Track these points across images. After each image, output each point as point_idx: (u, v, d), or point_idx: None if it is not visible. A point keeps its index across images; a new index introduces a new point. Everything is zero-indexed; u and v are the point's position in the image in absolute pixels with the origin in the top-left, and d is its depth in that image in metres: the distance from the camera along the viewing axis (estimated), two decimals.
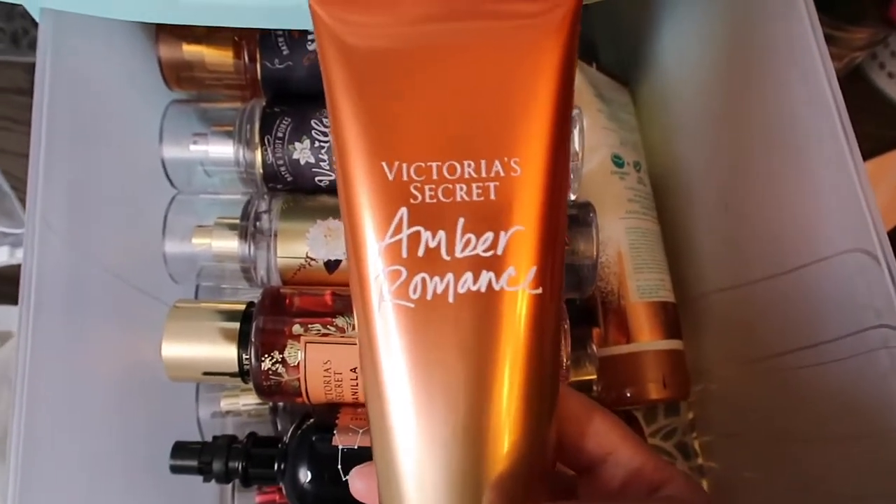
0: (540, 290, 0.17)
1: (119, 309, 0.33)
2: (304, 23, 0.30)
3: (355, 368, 0.30)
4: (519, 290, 0.17)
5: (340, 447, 0.30)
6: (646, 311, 0.37)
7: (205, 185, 0.36)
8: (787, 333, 0.29)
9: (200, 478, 0.32)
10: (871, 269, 0.23)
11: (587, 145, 0.39)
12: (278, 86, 0.35)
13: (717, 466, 0.39)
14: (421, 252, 0.17)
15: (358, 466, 0.20)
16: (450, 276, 0.17)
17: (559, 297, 0.18)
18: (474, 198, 0.17)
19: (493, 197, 0.17)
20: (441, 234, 0.17)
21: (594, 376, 0.34)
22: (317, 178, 0.34)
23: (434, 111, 0.18)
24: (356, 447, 0.29)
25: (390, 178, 0.17)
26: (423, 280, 0.17)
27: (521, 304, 0.17)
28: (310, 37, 0.34)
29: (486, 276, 0.17)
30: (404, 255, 0.17)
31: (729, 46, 0.34)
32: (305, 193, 0.35)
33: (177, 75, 0.35)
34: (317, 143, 0.34)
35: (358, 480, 0.20)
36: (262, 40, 0.34)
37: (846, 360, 0.25)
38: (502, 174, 0.17)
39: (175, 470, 0.31)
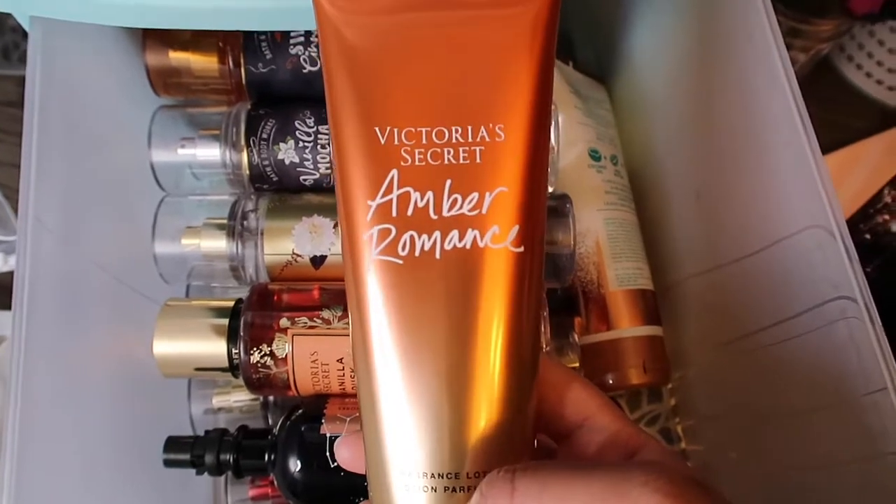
0: (522, 249, 0.18)
1: (111, 308, 0.34)
2: (285, 24, 0.31)
3: (341, 359, 0.31)
4: (502, 247, 0.18)
5: (329, 435, 0.30)
6: (625, 299, 0.38)
7: (193, 187, 0.37)
8: (755, 313, 0.30)
9: (193, 471, 0.32)
10: (827, 243, 0.25)
11: (565, 140, 0.40)
12: (262, 89, 0.36)
13: (701, 449, 0.40)
14: (410, 211, 0.18)
15: (343, 435, 0.21)
16: (437, 234, 0.18)
17: (540, 256, 0.19)
18: (461, 161, 0.18)
19: (478, 160, 0.18)
20: (429, 194, 0.18)
21: (577, 364, 0.35)
22: (301, 178, 0.35)
23: (424, 82, 0.19)
24: (344, 435, 0.30)
25: (382, 141, 0.18)
26: (412, 237, 0.18)
27: (504, 261, 0.18)
28: (291, 41, 0.35)
29: (471, 233, 0.18)
30: (394, 213, 0.18)
31: (696, 41, 0.35)
32: (291, 192, 0.36)
33: (164, 81, 0.36)
34: (301, 144, 0.35)
35: (344, 449, 0.21)
36: (245, 45, 0.35)
37: (809, 333, 0.26)
38: (487, 139, 0.18)
39: (168, 464, 0.32)
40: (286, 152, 0.35)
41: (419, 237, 0.18)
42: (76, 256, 0.31)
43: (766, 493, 0.32)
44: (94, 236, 0.33)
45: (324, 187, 0.36)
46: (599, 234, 0.39)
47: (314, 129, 0.35)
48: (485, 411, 0.18)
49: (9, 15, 0.28)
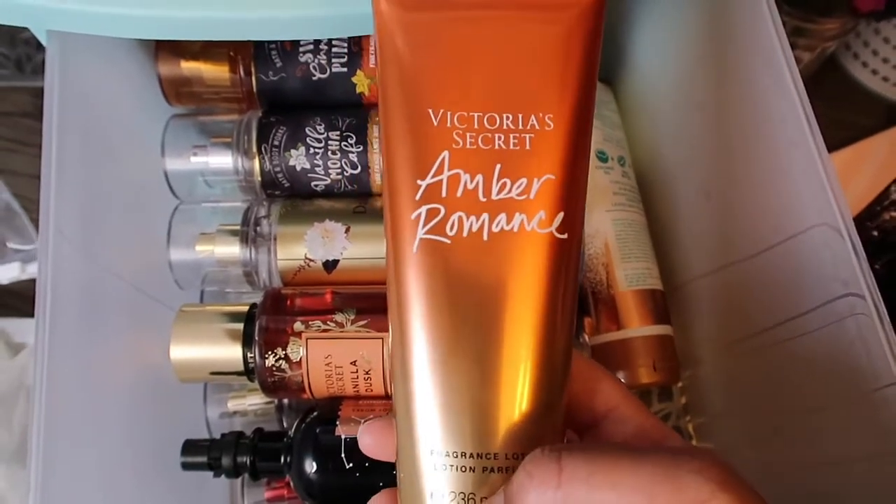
0: (566, 236, 0.19)
1: (128, 315, 0.35)
2: (297, 33, 0.32)
3: (355, 361, 0.32)
4: (547, 232, 0.19)
5: (343, 437, 0.31)
6: (634, 299, 0.38)
7: (206, 194, 0.37)
8: (764, 311, 0.31)
9: (211, 474, 0.33)
10: (835, 241, 0.25)
11: None
12: (273, 97, 0.37)
13: (712, 447, 0.40)
14: (459, 192, 0.19)
15: (367, 421, 0.21)
16: (485, 216, 0.19)
17: (580, 245, 0.20)
18: (511, 147, 0.19)
19: (528, 147, 0.19)
20: (479, 177, 0.19)
21: None
22: (313, 183, 0.36)
23: (478, 70, 0.19)
24: (367, 421, 0.31)
25: (435, 123, 0.19)
26: (460, 218, 0.19)
27: (548, 246, 0.19)
28: (301, 49, 0.36)
29: (518, 217, 0.19)
30: (444, 194, 0.19)
31: (701, 41, 0.35)
32: (302, 198, 0.36)
33: (176, 91, 0.37)
34: (311, 150, 0.35)
35: (367, 435, 0.21)
36: (256, 54, 0.36)
37: (818, 330, 0.27)
38: (537, 127, 0.19)
39: (186, 467, 0.32)
40: (297, 159, 0.35)
41: (468, 218, 0.19)
42: (94, 265, 0.31)
43: (778, 491, 0.32)
44: (111, 245, 0.33)
45: (335, 193, 0.36)
46: (608, 234, 0.39)
47: (324, 135, 0.35)
48: (524, 391, 0.18)
49: (22, 28, 0.29)
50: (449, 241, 0.19)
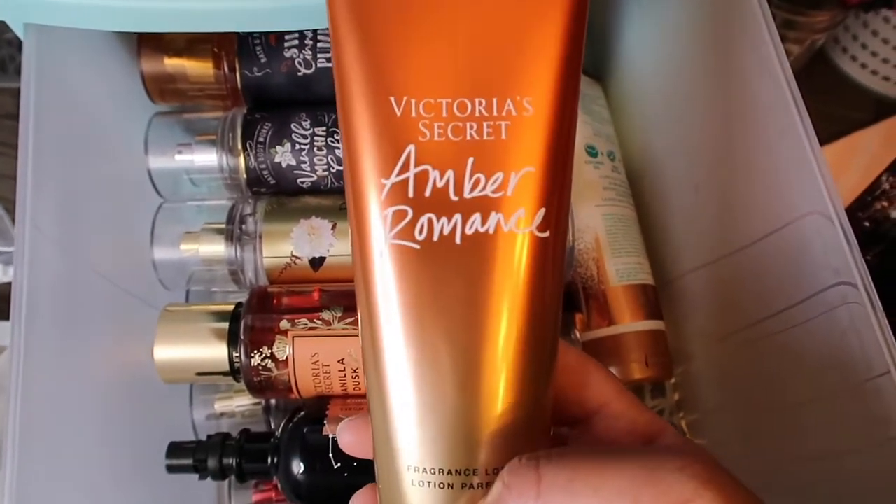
0: (547, 234, 0.17)
1: (111, 315, 0.34)
2: (280, 24, 0.31)
3: (342, 360, 0.31)
4: (527, 231, 0.17)
5: (331, 437, 0.30)
6: (625, 294, 0.38)
7: (191, 193, 0.37)
8: (757, 303, 0.30)
9: (196, 477, 0.32)
10: (826, 229, 0.25)
11: None
12: (258, 93, 0.36)
13: (706, 443, 0.40)
14: (428, 192, 0.17)
15: (347, 419, 0.20)
16: (457, 217, 0.17)
17: (564, 241, 0.18)
18: (485, 137, 0.17)
19: (503, 136, 0.17)
20: (449, 173, 0.17)
21: None
22: (299, 180, 0.35)
23: (445, 47, 0.17)
24: (348, 419, 0.30)
25: (398, 113, 0.17)
26: (430, 220, 0.17)
27: (529, 247, 0.17)
28: (286, 44, 0.35)
29: (494, 217, 0.17)
30: (410, 194, 0.17)
31: (689, 34, 0.35)
32: (288, 195, 0.36)
33: (159, 88, 0.36)
34: (297, 146, 0.35)
35: (347, 433, 0.20)
36: (240, 50, 0.36)
37: (811, 321, 0.26)
38: (514, 113, 0.17)
39: (171, 469, 0.32)
40: (283, 155, 0.35)
41: (438, 220, 0.17)
42: (75, 264, 0.31)
43: (773, 484, 0.32)
44: (93, 244, 0.33)
45: (321, 189, 0.36)
46: (598, 229, 0.39)
47: (310, 131, 0.35)
48: (503, 406, 0.17)
49: (5, 27, 0.28)
50: (418, 247, 0.17)
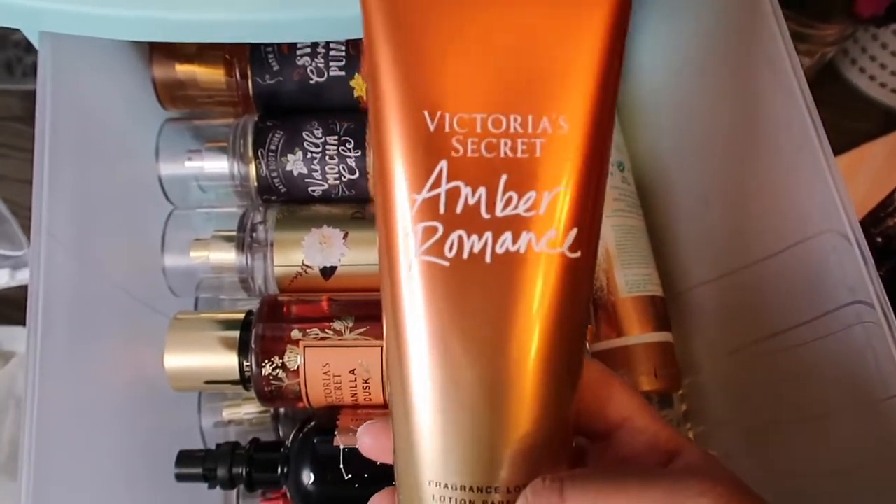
0: (579, 254, 0.17)
1: (122, 322, 0.34)
2: (294, 36, 0.31)
3: (353, 370, 0.31)
4: (558, 252, 0.17)
5: (342, 447, 0.30)
6: (635, 306, 0.38)
7: (201, 199, 0.37)
8: (769, 318, 0.30)
9: (205, 486, 0.32)
10: (842, 248, 0.24)
11: None
12: (270, 101, 0.36)
13: (713, 455, 0.40)
14: (459, 208, 0.17)
15: (367, 423, 0.20)
16: (488, 235, 0.17)
17: (594, 262, 0.18)
18: (519, 154, 0.17)
19: (538, 154, 0.17)
20: (482, 190, 0.17)
21: None
22: (310, 188, 0.35)
23: (481, 61, 0.17)
24: (369, 423, 0.30)
25: (431, 128, 0.17)
26: (461, 238, 0.17)
27: (559, 268, 0.17)
28: (298, 52, 0.35)
29: (526, 236, 0.17)
30: (442, 210, 0.17)
31: (702, 46, 0.35)
32: (299, 203, 0.36)
33: (171, 94, 0.36)
34: (309, 155, 0.35)
35: (367, 436, 0.20)
36: (252, 57, 0.36)
37: (825, 338, 0.26)
38: (549, 131, 0.17)
39: (180, 478, 0.32)
40: (294, 163, 0.35)
41: (468, 238, 0.17)
42: (87, 271, 0.31)
43: (781, 500, 0.32)
44: (105, 251, 0.33)
45: (332, 198, 0.36)
46: (608, 240, 0.39)
47: (322, 139, 0.35)
48: (527, 424, 0.17)
49: (13, 30, 0.28)
50: (447, 264, 0.17)
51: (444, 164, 0.17)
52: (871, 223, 0.39)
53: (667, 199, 0.40)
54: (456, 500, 0.17)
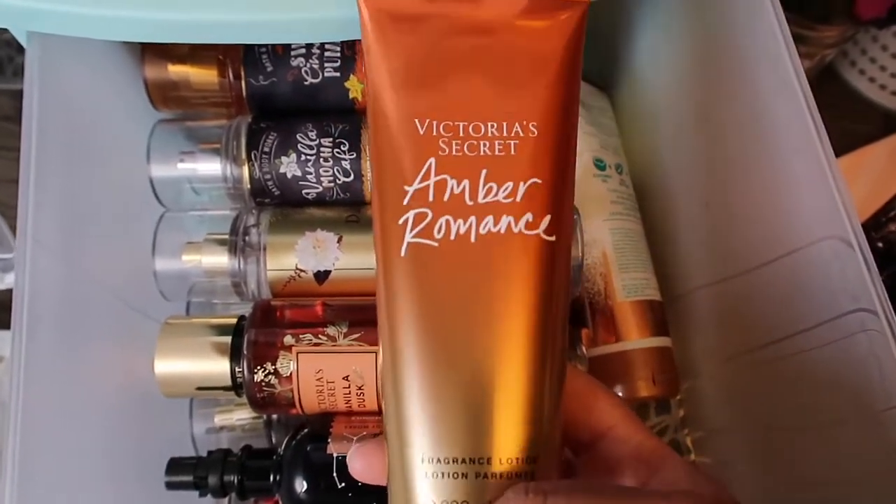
0: (553, 238, 0.19)
1: (111, 327, 0.33)
2: (286, 37, 0.31)
3: (347, 377, 0.30)
4: (535, 234, 0.19)
5: (335, 455, 0.30)
6: (633, 310, 0.37)
7: (193, 202, 0.36)
8: (769, 324, 0.30)
9: (196, 494, 0.32)
10: (845, 254, 0.24)
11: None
12: (263, 102, 0.36)
13: (710, 462, 0.39)
14: (446, 197, 0.19)
15: (356, 445, 0.21)
16: (472, 219, 0.19)
17: (569, 247, 0.20)
18: (496, 153, 0.19)
19: (513, 153, 0.19)
20: (465, 181, 0.19)
21: None
22: (304, 191, 0.35)
23: (461, 80, 0.20)
24: (358, 445, 0.30)
25: (421, 132, 0.19)
26: (447, 221, 0.19)
27: (537, 248, 0.19)
28: (293, 53, 0.35)
29: (506, 219, 0.19)
30: (430, 199, 0.19)
31: (701, 48, 0.35)
32: (293, 206, 0.35)
33: (163, 95, 0.36)
34: (303, 157, 0.34)
35: (357, 460, 0.20)
36: (246, 58, 0.35)
37: (827, 346, 0.26)
38: (521, 134, 0.19)
39: (171, 486, 0.31)
40: (288, 166, 0.34)
41: (455, 221, 0.19)
42: (75, 274, 0.30)
43: None
44: (94, 254, 0.32)
45: (327, 201, 0.35)
46: (606, 244, 0.38)
47: (316, 142, 0.34)
48: (517, 393, 0.18)
49: (2, 29, 0.28)
50: (436, 245, 0.19)
51: (432, 160, 0.19)
52: (872, 227, 0.39)
53: (666, 203, 0.40)
54: (448, 473, 0.18)
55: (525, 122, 0.19)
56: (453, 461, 0.18)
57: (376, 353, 0.30)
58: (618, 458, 0.19)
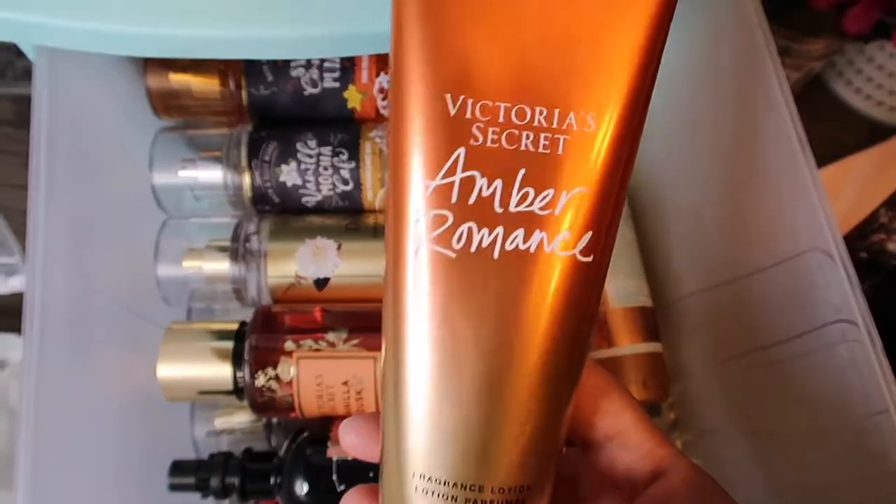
0: (591, 259, 0.16)
1: (116, 332, 0.34)
2: (288, 53, 0.31)
3: (346, 382, 0.31)
4: (569, 255, 0.16)
5: (335, 459, 0.31)
6: (625, 316, 0.38)
7: (194, 209, 0.37)
8: (754, 332, 0.31)
9: (199, 496, 0.32)
10: (828, 267, 0.25)
11: None
12: (264, 111, 0.36)
13: (700, 464, 0.40)
14: (472, 199, 0.16)
15: (350, 419, 0.19)
16: (499, 230, 0.16)
17: (606, 269, 0.17)
18: (540, 149, 0.16)
19: (560, 151, 0.16)
20: (497, 182, 0.16)
21: None
22: (303, 199, 0.35)
23: (511, 49, 0.16)
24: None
25: (452, 113, 0.16)
26: (470, 230, 0.16)
27: (569, 271, 0.16)
28: (293, 63, 0.35)
29: (538, 235, 0.16)
30: (454, 199, 0.16)
31: (692, 62, 0.35)
32: (293, 214, 0.36)
33: (165, 104, 0.36)
34: (303, 165, 0.35)
35: (352, 433, 0.19)
36: (247, 68, 0.36)
37: (810, 354, 0.27)
38: (575, 128, 0.16)
39: (174, 488, 0.32)
40: (288, 174, 0.35)
41: (479, 230, 0.16)
42: (81, 281, 0.31)
43: None
44: (99, 261, 0.33)
45: (326, 209, 0.36)
46: None
47: (316, 151, 0.35)
48: (519, 427, 0.17)
49: None
50: (454, 255, 0.16)
51: (461, 151, 0.16)
52: (856, 237, 0.40)
53: (659, 211, 0.41)
54: (439, 494, 0.17)
55: (582, 112, 0.16)
56: (444, 483, 0.17)
57: (375, 358, 0.31)
58: (625, 464, 0.18)
